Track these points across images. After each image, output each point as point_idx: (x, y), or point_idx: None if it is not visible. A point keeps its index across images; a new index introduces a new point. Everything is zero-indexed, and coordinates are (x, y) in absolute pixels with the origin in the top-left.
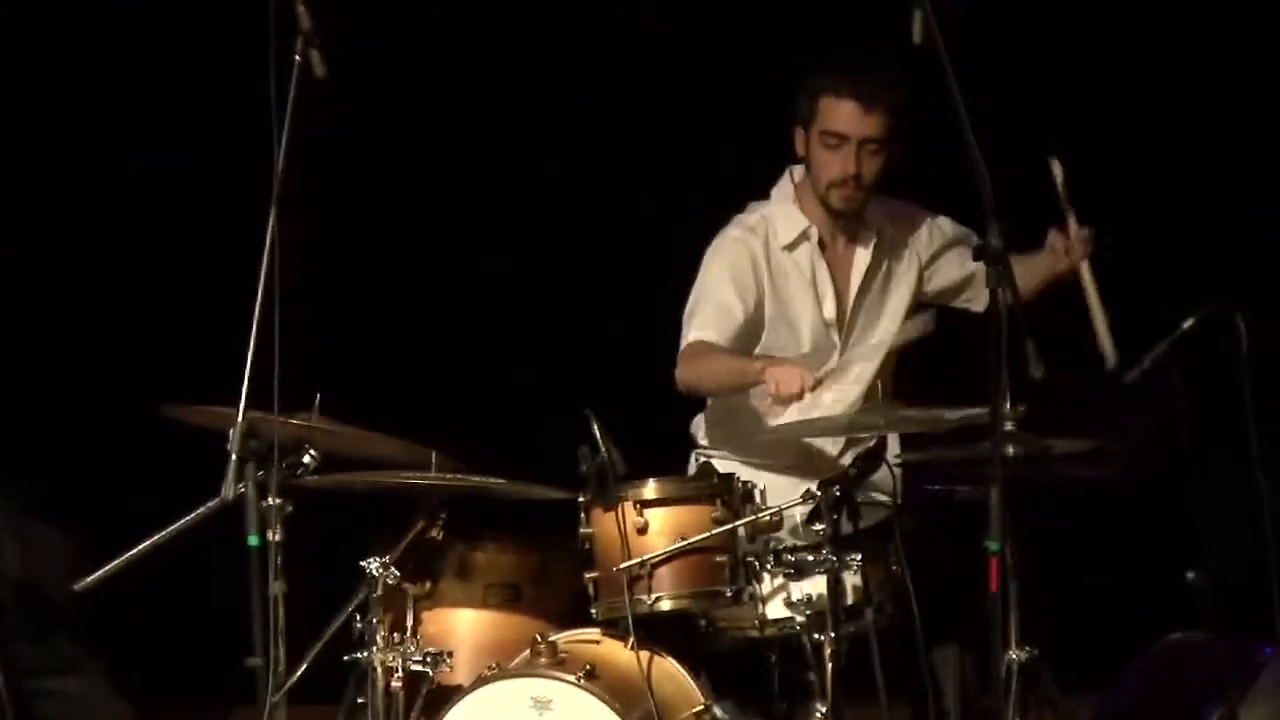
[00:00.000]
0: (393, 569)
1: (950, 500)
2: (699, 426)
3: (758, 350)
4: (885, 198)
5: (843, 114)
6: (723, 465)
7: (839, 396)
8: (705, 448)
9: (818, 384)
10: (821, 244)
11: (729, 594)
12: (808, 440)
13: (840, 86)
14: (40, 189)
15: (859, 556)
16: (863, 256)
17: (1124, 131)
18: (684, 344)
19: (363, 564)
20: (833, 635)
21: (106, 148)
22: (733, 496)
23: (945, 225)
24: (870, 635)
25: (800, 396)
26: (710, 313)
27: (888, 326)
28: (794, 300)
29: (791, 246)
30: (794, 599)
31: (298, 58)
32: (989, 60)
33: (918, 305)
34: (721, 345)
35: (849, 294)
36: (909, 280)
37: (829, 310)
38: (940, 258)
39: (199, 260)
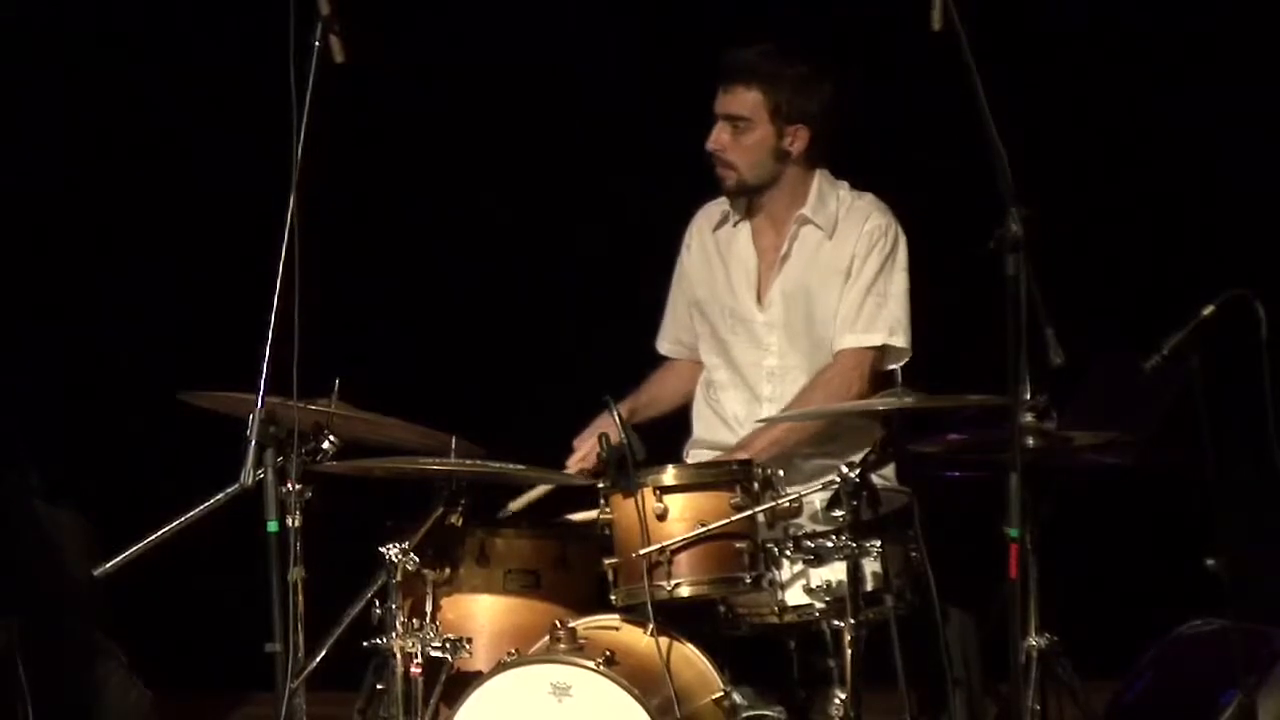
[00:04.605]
0: (412, 555)
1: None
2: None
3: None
4: (857, 192)
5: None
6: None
7: (776, 396)
8: (700, 439)
9: None
10: (754, 226)
11: (748, 580)
12: None
13: None
14: (61, 175)
15: (879, 543)
16: (783, 242)
17: (1142, 115)
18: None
19: (382, 550)
20: (852, 622)
21: (127, 133)
22: (752, 483)
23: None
24: (890, 622)
25: None
26: (665, 320)
27: (821, 326)
28: (716, 277)
29: (717, 227)
30: (813, 585)
31: (317, 43)
32: (1009, 46)
33: None
34: (674, 361)
35: (770, 277)
36: (837, 278)
37: (745, 288)
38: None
39: (219, 246)
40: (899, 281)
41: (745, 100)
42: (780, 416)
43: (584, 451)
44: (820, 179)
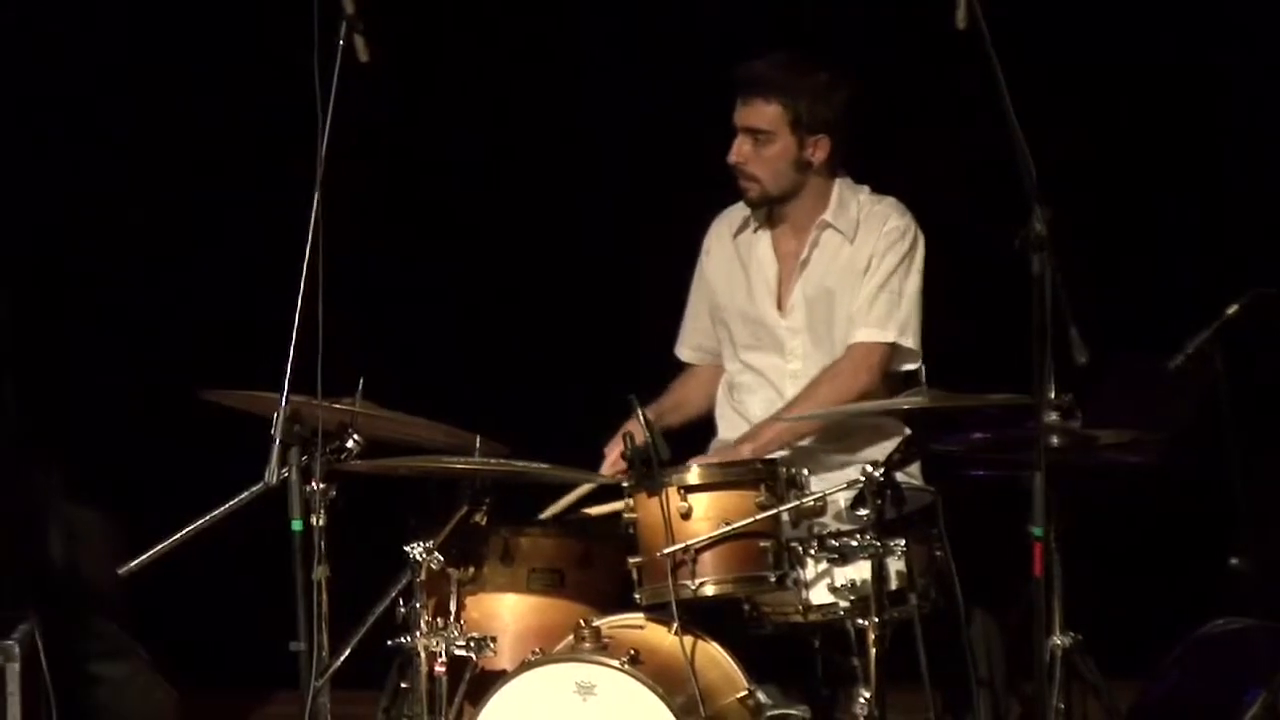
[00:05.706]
0: (436, 554)
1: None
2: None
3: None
4: (878, 196)
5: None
6: None
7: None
8: (725, 439)
9: None
10: (775, 233)
11: (773, 579)
12: None
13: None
14: (85, 172)
15: (903, 542)
16: (804, 248)
17: (1167, 113)
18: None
19: (406, 549)
20: (876, 621)
21: (152, 130)
22: (777, 481)
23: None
24: (914, 621)
25: None
26: (685, 326)
27: (843, 329)
28: (735, 283)
29: (737, 233)
30: (838, 584)
31: (341, 42)
32: (1031, 44)
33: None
34: (696, 366)
35: (791, 282)
36: (857, 279)
37: (766, 294)
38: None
39: (243, 243)
40: (914, 283)
41: (765, 113)
42: (803, 416)
43: (615, 457)
44: (841, 185)
